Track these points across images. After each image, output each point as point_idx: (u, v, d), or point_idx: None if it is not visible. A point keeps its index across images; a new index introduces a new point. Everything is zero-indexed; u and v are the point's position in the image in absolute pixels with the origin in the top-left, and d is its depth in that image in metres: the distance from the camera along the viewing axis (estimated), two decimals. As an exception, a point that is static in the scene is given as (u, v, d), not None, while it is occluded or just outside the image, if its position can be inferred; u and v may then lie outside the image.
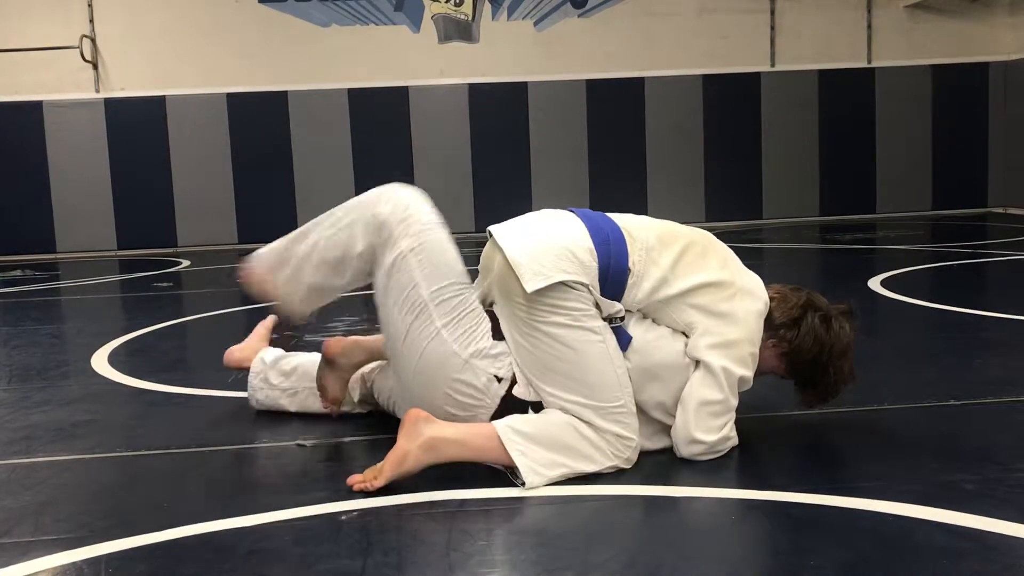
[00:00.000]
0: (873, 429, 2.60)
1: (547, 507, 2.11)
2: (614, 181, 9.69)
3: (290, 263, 2.50)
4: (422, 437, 2.19)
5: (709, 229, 2.52)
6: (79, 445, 2.72)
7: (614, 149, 9.74)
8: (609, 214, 2.46)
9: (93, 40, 9.44)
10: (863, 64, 9.91)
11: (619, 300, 2.33)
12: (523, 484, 2.18)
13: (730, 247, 2.52)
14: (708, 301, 2.32)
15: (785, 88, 9.83)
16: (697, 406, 2.29)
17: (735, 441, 2.38)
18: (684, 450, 2.32)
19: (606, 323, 2.30)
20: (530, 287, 2.22)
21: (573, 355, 2.24)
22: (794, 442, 2.51)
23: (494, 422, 2.26)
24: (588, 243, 2.30)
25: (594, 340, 2.25)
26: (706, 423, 2.29)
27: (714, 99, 9.78)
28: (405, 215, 2.38)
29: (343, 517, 2.06)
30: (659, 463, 2.33)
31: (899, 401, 2.82)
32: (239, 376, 3.52)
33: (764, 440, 2.50)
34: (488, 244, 2.42)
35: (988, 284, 5.64)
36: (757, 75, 9.84)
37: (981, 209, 9.99)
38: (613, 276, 2.31)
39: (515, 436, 2.21)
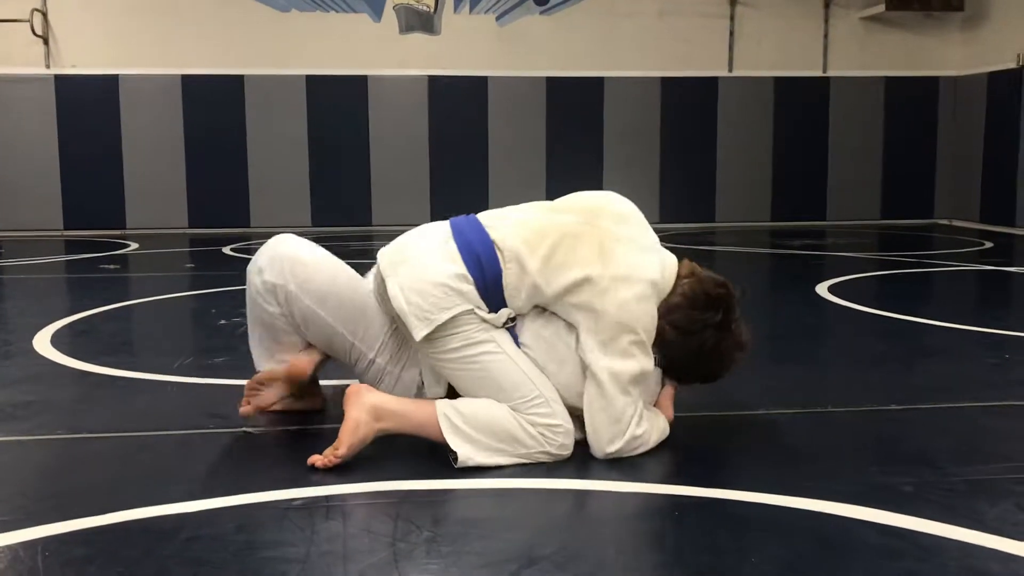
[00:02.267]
0: (815, 431, 2.65)
1: (493, 499, 2.11)
2: (570, 178, 9.62)
3: (255, 357, 2.66)
4: (367, 404, 2.27)
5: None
6: (18, 427, 2.66)
7: (572, 147, 9.77)
8: (482, 215, 2.48)
9: (44, 14, 9.22)
10: (819, 73, 10.06)
11: (504, 306, 2.37)
12: (455, 461, 2.24)
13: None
14: (584, 299, 2.31)
15: (742, 93, 9.93)
16: (597, 418, 2.31)
17: (655, 433, 2.39)
18: (602, 457, 2.34)
19: (502, 328, 2.36)
20: (418, 335, 2.31)
21: (479, 370, 2.32)
22: (736, 441, 2.54)
23: (436, 400, 2.34)
24: (460, 268, 2.34)
25: (492, 351, 2.32)
26: (610, 431, 2.30)
27: (672, 101, 9.86)
28: (289, 271, 2.49)
29: (288, 505, 2.05)
30: (601, 460, 2.34)
31: (842, 404, 2.87)
32: (186, 362, 3.47)
33: (707, 438, 2.53)
34: (378, 271, 2.46)
35: (931, 293, 5.76)
36: (715, 79, 9.93)
37: (927, 220, 10.21)
38: (492, 289, 2.35)
39: (452, 414, 2.28)
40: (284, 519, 1.98)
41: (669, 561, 1.81)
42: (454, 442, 2.25)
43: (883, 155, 10.13)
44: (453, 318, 2.31)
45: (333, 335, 2.51)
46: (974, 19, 9.87)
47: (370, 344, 2.50)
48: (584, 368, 2.33)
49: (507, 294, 2.36)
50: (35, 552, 1.81)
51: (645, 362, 2.32)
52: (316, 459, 2.25)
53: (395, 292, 2.36)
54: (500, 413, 2.28)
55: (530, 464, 2.29)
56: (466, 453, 2.25)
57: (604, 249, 2.34)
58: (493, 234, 2.40)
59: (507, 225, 2.42)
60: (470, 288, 2.34)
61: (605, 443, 2.31)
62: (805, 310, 4.75)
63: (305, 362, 2.56)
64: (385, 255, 2.47)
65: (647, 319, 2.32)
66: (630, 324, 2.28)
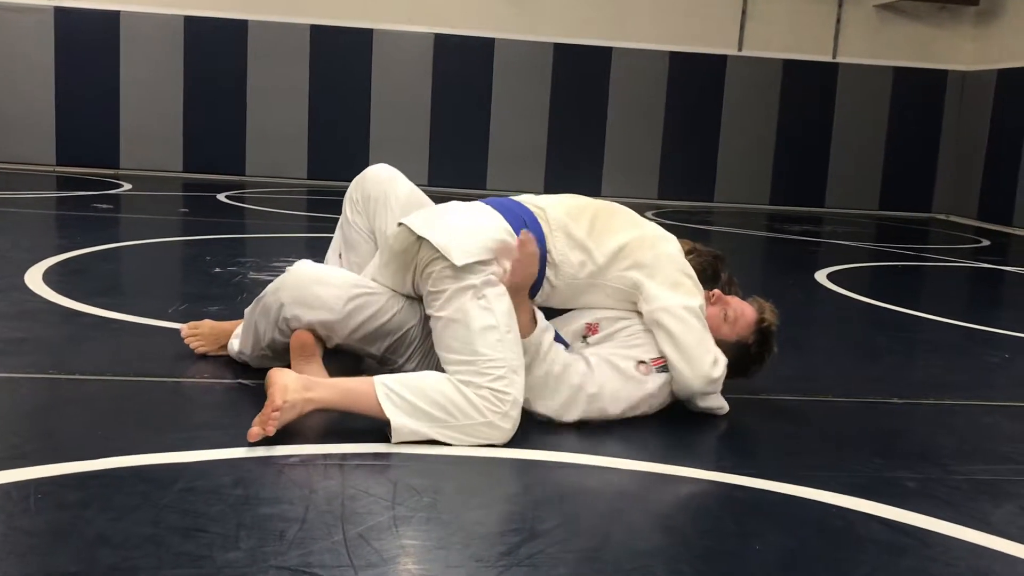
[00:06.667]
0: (819, 420, 2.63)
1: (495, 469, 2.08)
2: (571, 147, 9.65)
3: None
4: (292, 375, 2.18)
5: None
6: (10, 363, 2.61)
7: (575, 115, 9.68)
8: (514, 196, 2.55)
9: (47, -57, 9.02)
10: (828, 58, 9.98)
11: (543, 280, 2.40)
12: (390, 435, 2.15)
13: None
14: (636, 258, 2.46)
15: (749, 74, 9.85)
16: (693, 349, 2.38)
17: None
18: (704, 386, 2.41)
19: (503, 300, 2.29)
20: (459, 260, 2.25)
21: (466, 313, 2.23)
22: (741, 426, 2.51)
23: (374, 376, 2.23)
24: (507, 227, 2.37)
25: (483, 307, 2.24)
26: (707, 359, 2.40)
27: (679, 77, 9.77)
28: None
29: (285, 461, 2.01)
30: (608, 434, 2.31)
31: (844, 394, 2.85)
32: (180, 308, 3.42)
33: (709, 421, 2.50)
34: (401, 232, 2.38)
35: (928, 287, 5.75)
36: (723, 58, 9.84)
37: (925, 214, 10.19)
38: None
39: (389, 380, 2.19)
40: (281, 475, 1.95)
41: (673, 542, 1.78)
42: (388, 408, 2.14)
43: (886, 145, 10.09)
44: (490, 262, 2.28)
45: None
46: (988, 14, 9.80)
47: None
48: (652, 319, 2.41)
49: (554, 261, 2.41)
50: (28, 493, 1.77)
51: (702, 301, 2.48)
52: (254, 432, 2.07)
53: (435, 234, 2.30)
54: (440, 378, 2.20)
55: (512, 439, 2.18)
56: (400, 421, 2.13)
57: (636, 220, 2.58)
58: (534, 207, 2.47)
59: (543, 201, 2.53)
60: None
61: (708, 367, 2.38)
62: (805, 297, 4.73)
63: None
64: (413, 220, 2.39)
65: (690, 268, 2.52)
66: (684, 268, 2.49)
